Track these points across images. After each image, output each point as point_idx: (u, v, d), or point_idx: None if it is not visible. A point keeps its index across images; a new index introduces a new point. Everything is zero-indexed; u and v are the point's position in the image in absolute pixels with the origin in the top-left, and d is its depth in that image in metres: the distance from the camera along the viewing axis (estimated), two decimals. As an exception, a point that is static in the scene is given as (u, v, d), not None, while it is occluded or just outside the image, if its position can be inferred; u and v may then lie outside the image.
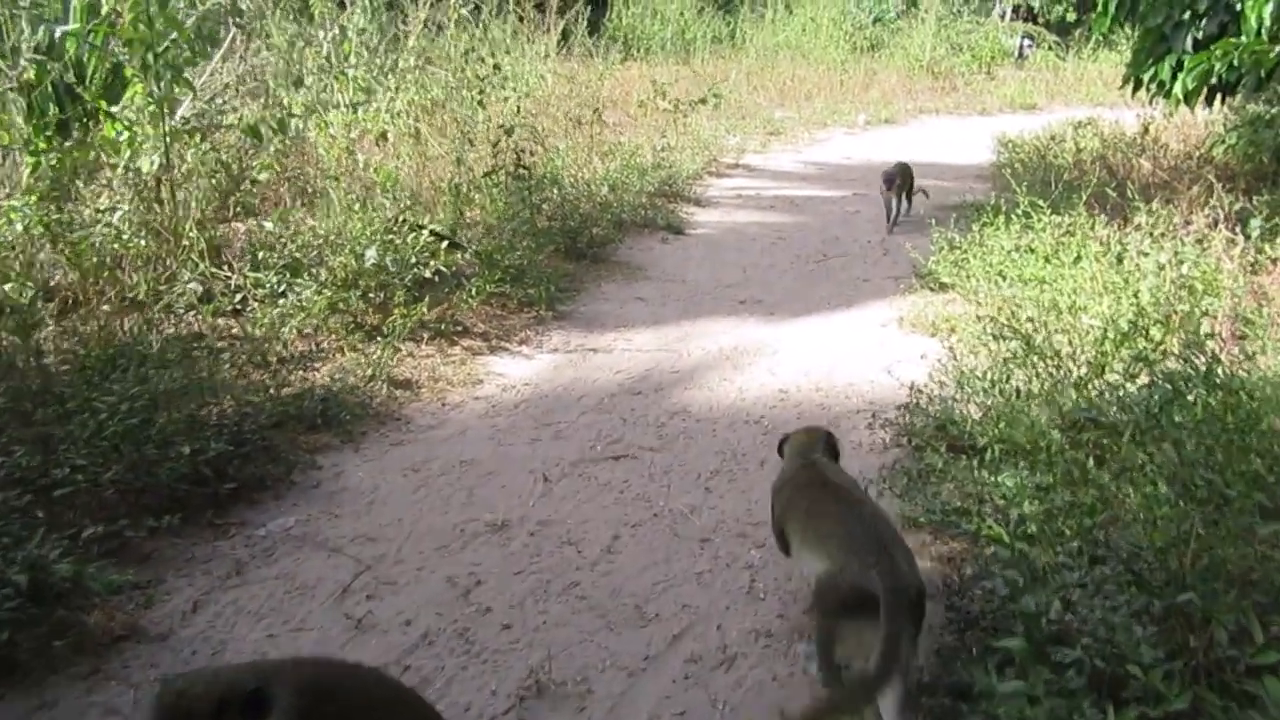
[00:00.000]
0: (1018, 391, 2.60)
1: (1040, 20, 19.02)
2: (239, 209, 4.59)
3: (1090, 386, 2.52)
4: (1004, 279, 3.97)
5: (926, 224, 5.17)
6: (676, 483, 2.65)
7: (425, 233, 4.10)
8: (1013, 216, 4.40)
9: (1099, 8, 5.91)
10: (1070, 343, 2.90)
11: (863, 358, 3.60)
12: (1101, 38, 16.63)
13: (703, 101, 8.01)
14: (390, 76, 6.18)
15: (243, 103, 5.28)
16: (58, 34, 4.07)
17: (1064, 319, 3.18)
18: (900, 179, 5.60)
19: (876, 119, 10.83)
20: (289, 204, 4.88)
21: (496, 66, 5.95)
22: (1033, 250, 4.11)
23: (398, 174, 5.30)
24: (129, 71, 3.64)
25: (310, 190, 5.00)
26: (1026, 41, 18.16)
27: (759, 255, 5.16)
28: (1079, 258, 3.92)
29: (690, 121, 8.40)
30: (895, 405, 2.96)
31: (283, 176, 5.09)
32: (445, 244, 4.14)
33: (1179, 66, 4.91)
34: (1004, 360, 2.88)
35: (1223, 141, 6.04)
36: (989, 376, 2.73)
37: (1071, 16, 18.43)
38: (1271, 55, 4.07)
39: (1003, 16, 18.72)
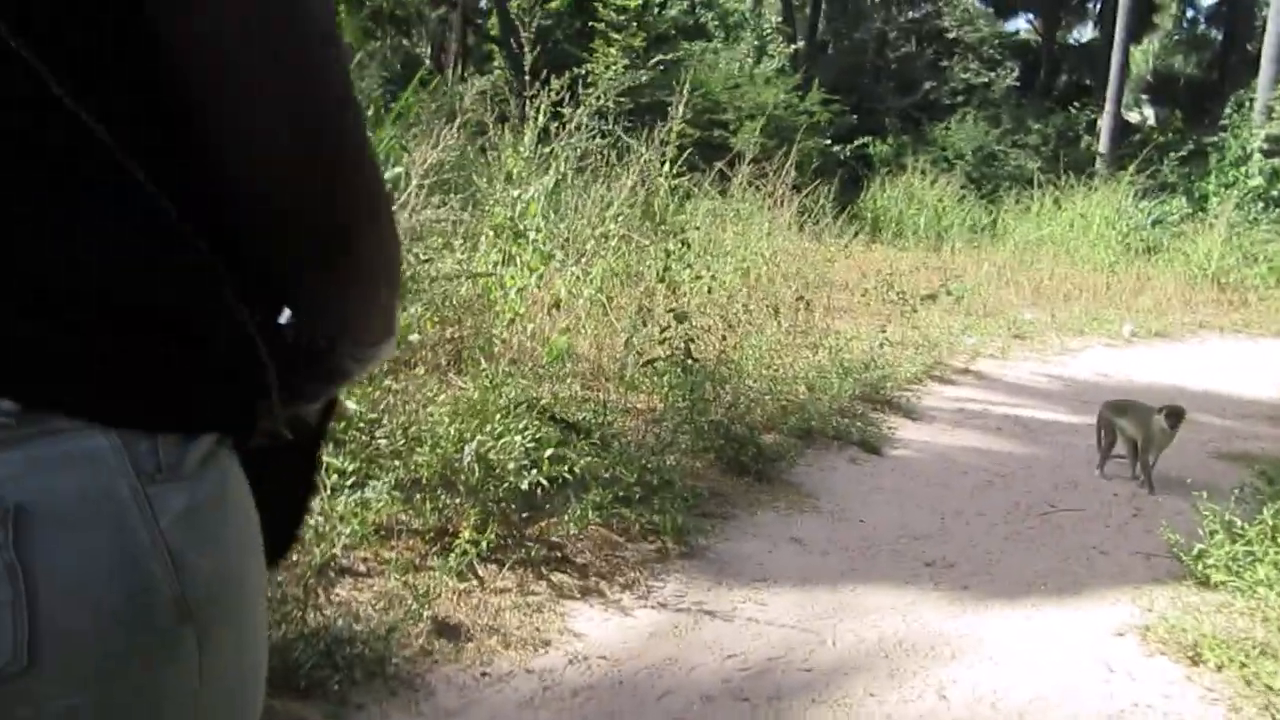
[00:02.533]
0: None
1: (1357, 235, 16.75)
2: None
3: None
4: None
5: (1188, 484, 4.02)
6: None
7: (546, 421, 3.49)
8: (1325, 501, 3.22)
9: None
10: None
11: (1082, 692, 2.54)
12: None
13: (933, 297, 7.13)
14: (589, 241, 5.81)
15: (418, 258, 5.00)
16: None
17: None
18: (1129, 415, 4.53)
19: (1145, 331, 9.45)
20: (444, 368, 4.46)
21: (685, 242, 5.40)
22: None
23: (570, 346, 4.81)
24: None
25: (463, 358, 4.56)
26: (1339, 258, 15.96)
27: (967, 497, 4.15)
28: None
29: (921, 315, 7.54)
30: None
31: (444, 339, 4.69)
32: (569, 437, 3.51)
33: None
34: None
35: None
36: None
37: (1396, 233, 16.10)
38: None
39: (1309, 228, 16.66)
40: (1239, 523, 3.19)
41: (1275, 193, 16.90)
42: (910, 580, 3.21)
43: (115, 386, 0.66)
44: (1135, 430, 4.51)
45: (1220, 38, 28.69)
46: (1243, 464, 4.93)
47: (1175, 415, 4.37)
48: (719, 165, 7.87)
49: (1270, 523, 3.22)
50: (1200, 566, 3.19)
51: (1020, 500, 4.14)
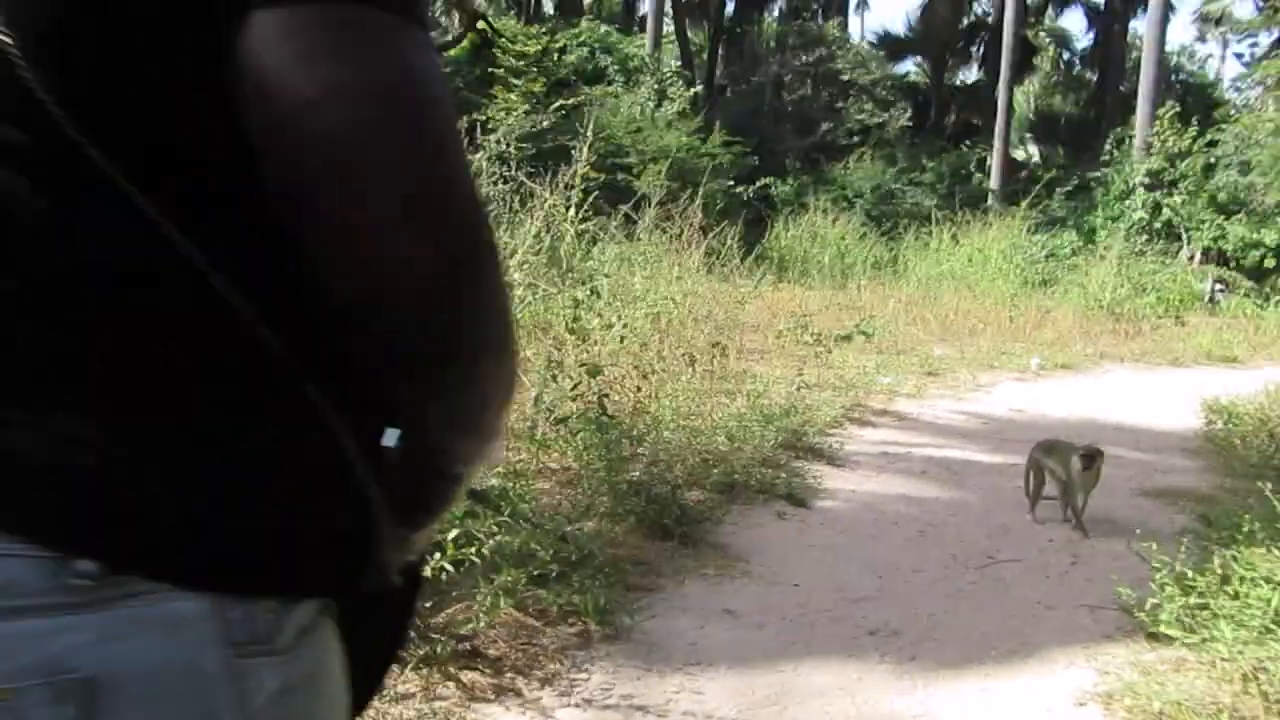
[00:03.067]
0: None
1: (1233, 265, 17.51)
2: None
3: None
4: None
5: (1119, 524, 3.90)
6: None
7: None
8: (1271, 545, 3.09)
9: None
10: None
11: (1052, 776, 2.32)
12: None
13: (848, 338, 7.02)
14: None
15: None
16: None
17: None
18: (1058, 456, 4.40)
19: (1051, 363, 9.56)
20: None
21: (594, 290, 5.16)
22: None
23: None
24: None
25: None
26: (1219, 286, 16.64)
27: (901, 550, 3.95)
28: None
29: (835, 356, 7.42)
30: None
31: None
32: (477, 509, 3.18)
33: None
34: None
35: None
36: None
37: (1271, 262, 16.88)
38: None
39: (1191, 258, 17.36)
40: (1189, 573, 3.03)
41: (1158, 225, 17.60)
42: (854, 652, 2.97)
43: (206, 545, 0.58)
44: (1062, 471, 4.39)
45: (1095, 79, 30.08)
46: (1168, 500, 4.87)
47: (1089, 456, 4.26)
48: (624, 209, 7.68)
49: (1220, 572, 3.07)
50: (1153, 622, 3.02)
51: (956, 552, 3.96)
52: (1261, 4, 25.25)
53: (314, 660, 0.63)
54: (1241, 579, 2.91)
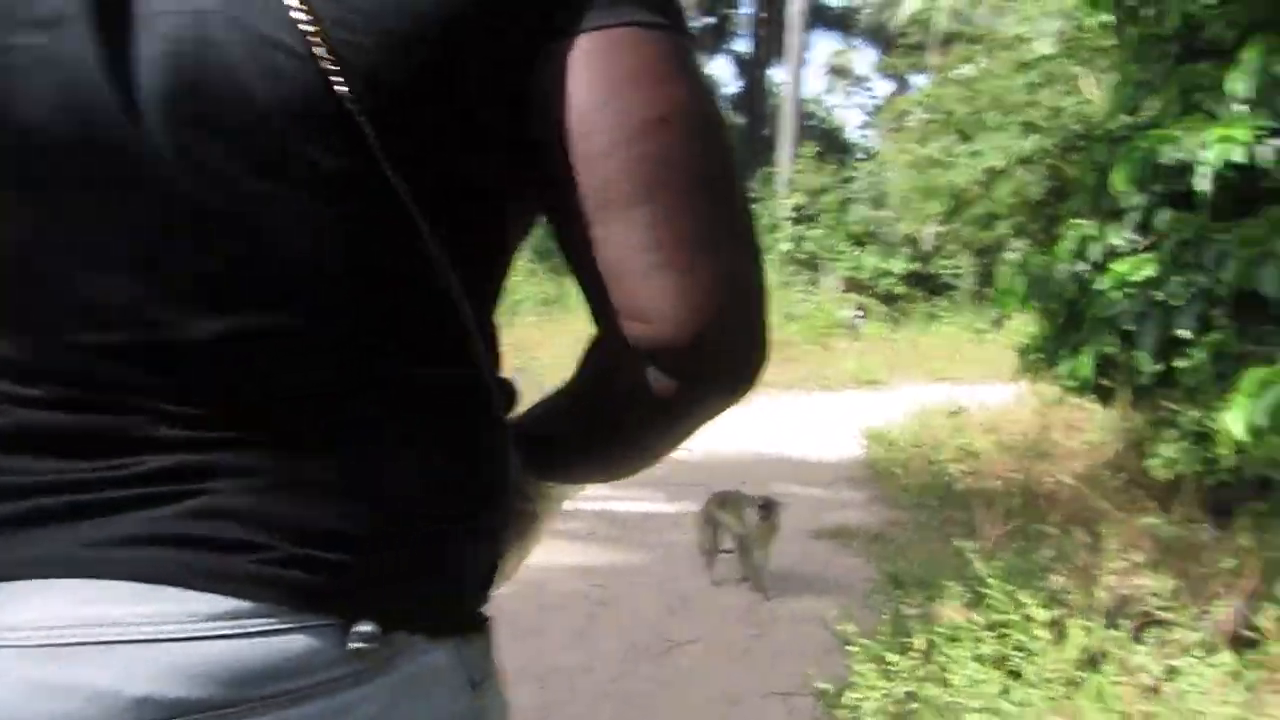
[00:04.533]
0: None
1: (868, 292, 19.00)
2: None
3: None
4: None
5: (796, 576, 3.50)
6: None
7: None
8: (970, 607, 2.73)
9: (1005, 285, 4.79)
10: None
11: None
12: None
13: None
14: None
15: None
16: None
17: None
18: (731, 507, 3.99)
19: (716, 395, 9.47)
20: None
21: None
22: (1020, 679, 2.43)
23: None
24: None
25: None
26: (858, 314, 17.93)
27: (567, 644, 3.30)
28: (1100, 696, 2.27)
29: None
30: None
31: None
32: None
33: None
34: None
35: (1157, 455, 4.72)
36: None
37: (900, 289, 18.49)
38: None
39: (836, 287, 18.62)
40: (888, 656, 2.59)
41: (802, 256, 18.76)
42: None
43: (449, 594, 0.62)
44: (738, 526, 3.95)
45: (744, 121, 32.07)
46: (841, 541, 4.62)
47: (766, 508, 3.85)
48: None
49: (919, 642, 2.66)
50: (851, 713, 2.55)
51: (632, 637, 3.35)
52: (880, 56, 28.11)
53: (499, 674, 0.66)
54: (949, 660, 2.50)
